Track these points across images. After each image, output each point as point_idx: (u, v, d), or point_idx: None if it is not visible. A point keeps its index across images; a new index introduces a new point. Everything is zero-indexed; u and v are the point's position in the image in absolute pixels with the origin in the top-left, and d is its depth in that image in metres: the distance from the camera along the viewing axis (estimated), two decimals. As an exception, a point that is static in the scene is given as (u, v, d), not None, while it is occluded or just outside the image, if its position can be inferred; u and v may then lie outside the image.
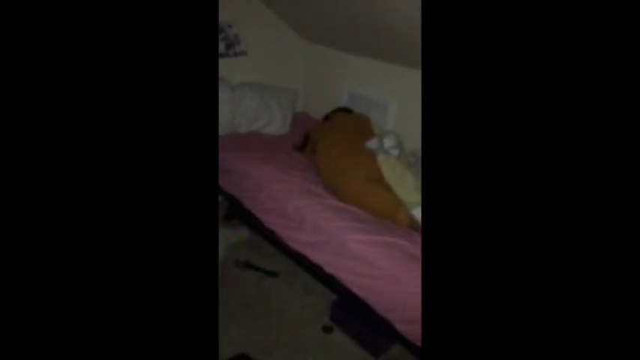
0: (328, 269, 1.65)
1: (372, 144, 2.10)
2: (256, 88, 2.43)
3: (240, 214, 2.31)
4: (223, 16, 2.31)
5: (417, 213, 1.67)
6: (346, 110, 2.46)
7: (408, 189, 1.85)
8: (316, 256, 1.68)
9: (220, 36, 2.35)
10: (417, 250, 1.50)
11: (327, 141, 2.07)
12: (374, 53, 2.32)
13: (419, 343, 1.42)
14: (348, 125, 2.19)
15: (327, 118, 2.35)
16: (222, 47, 2.39)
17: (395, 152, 2.05)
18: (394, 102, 2.38)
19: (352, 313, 1.72)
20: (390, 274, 1.43)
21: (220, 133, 2.31)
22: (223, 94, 2.24)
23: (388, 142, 2.08)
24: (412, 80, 2.23)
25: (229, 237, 2.23)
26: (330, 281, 1.75)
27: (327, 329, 1.77)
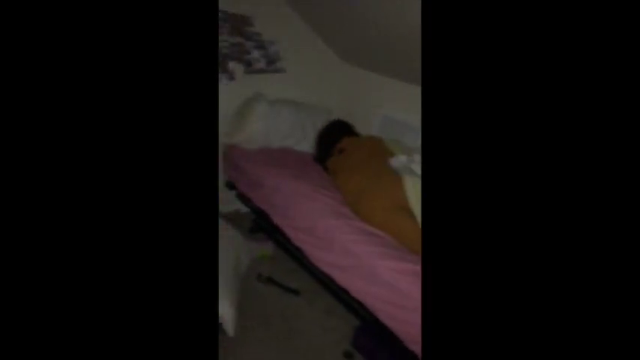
0: (355, 294, 1.62)
1: (397, 161, 2.00)
2: (292, 106, 2.47)
3: (266, 229, 2.31)
4: (266, 34, 2.38)
5: None
6: (345, 127, 2.45)
7: None
8: (344, 279, 1.65)
9: (261, 52, 2.41)
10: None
11: (346, 174, 2.04)
12: (411, 78, 2.33)
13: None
14: (364, 151, 2.16)
15: (341, 150, 2.27)
16: (263, 63, 2.44)
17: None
18: (429, 129, 2.37)
19: (376, 341, 1.67)
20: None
21: (254, 146, 2.34)
22: (261, 109, 2.28)
23: (418, 157, 2.01)
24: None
25: (254, 250, 2.23)
26: (353, 305, 1.71)
27: (348, 355, 1.73)
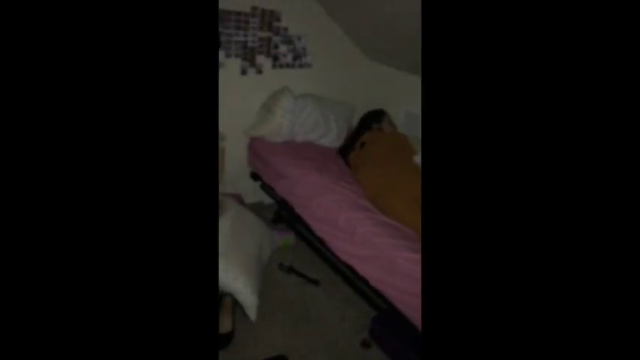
0: (374, 283, 1.66)
1: (418, 158, 2.11)
2: (317, 101, 2.51)
3: (288, 219, 2.37)
4: (294, 29, 2.43)
5: None
6: (376, 115, 2.51)
7: None
8: (364, 269, 1.69)
9: (289, 47, 2.47)
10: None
11: (367, 168, 2.12)
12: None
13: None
14: (384, 146, 2.22)
15: (362, 144, 2.36)
16: (289, 58, 2.50)
17: None
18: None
19: (392, 330, 1.70)
20: (438, 296, 1.42)
21: (279, 139, 2.40)
22: (287, 104, 2.34)
23: None
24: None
25: (276, 240, 2.30)
26: (370, 296, 1.75)
27: (365, 344, 1.77)
